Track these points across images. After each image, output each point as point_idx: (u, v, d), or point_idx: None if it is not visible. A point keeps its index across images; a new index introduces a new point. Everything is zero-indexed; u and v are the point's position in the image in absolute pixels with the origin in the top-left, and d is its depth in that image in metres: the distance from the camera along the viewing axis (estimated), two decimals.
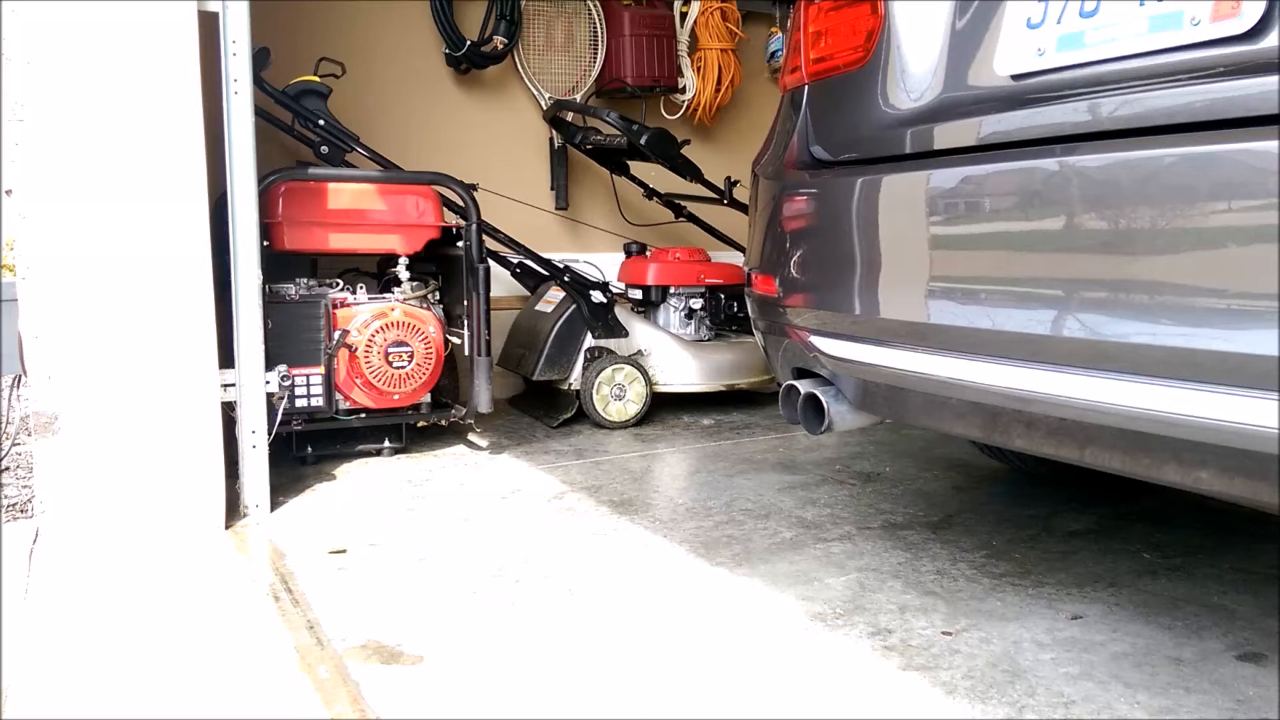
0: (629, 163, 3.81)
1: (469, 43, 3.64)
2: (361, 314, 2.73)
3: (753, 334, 2.12)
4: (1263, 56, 1.10)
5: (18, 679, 1.45)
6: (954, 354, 1.45)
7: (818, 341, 1.76)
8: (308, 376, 2.62)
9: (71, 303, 2.02)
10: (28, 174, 1.97)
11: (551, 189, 4.00)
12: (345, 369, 2.69)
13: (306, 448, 2.75)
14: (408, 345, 2.73)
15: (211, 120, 2.14)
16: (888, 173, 1.61)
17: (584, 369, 3.28)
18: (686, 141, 3.56)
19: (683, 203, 3.88)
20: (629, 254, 3.67)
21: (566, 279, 3.38)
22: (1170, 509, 2.27)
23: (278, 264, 2.68)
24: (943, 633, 1.59)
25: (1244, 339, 1.07)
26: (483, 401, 2.79)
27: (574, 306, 3.31)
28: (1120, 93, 1.27)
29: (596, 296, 3.36)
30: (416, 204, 2.88)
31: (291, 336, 2.61)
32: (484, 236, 2.90)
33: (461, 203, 2.89)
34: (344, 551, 2.01)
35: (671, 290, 3.59)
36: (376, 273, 3.17)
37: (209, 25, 2.16)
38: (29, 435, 2.13)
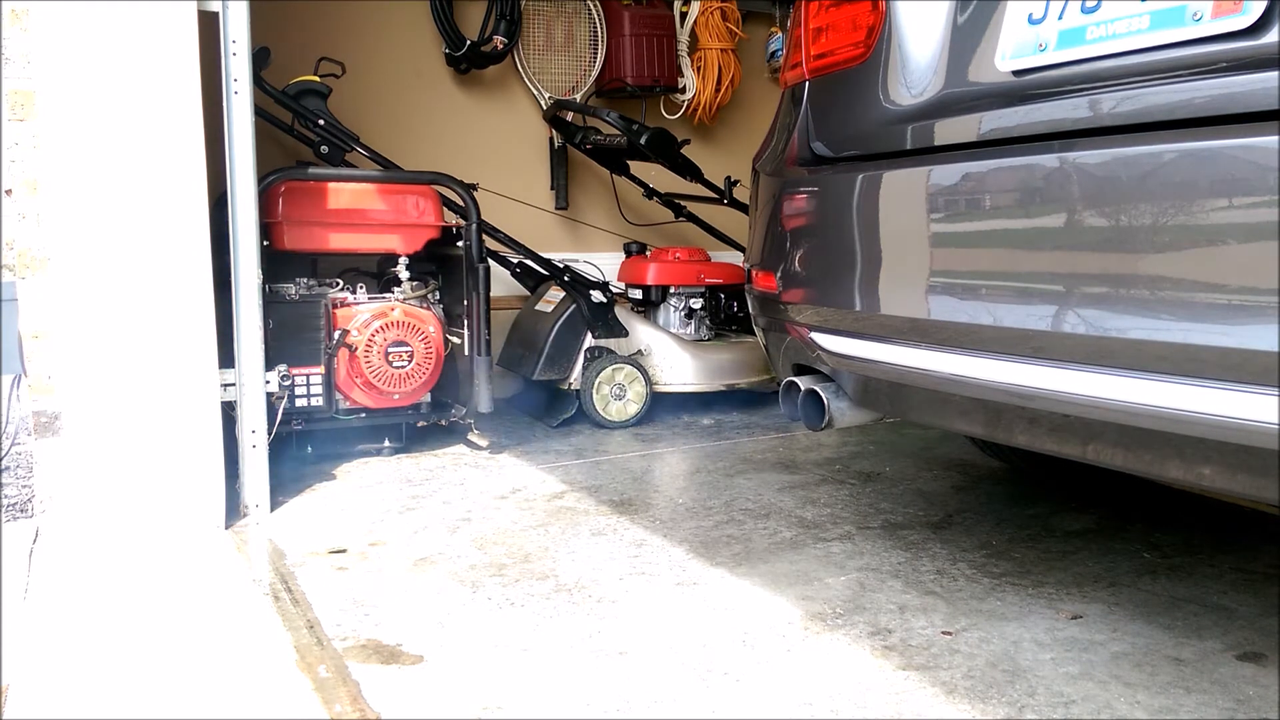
0: (629, 162, 3.81)
1: (469, 42, 3.63)
2: (361, 314, 2.73)
3: (753, 334, 2.12)
4: (1264, 52, 1.10)
5: (18, 679, 1.45)
6: (955, 350, 1.45)
7: (818, 338, 1.76)
8: (308, 376, 2.62)
9: (72, 302, 2.02)
10: (27, 174, 1.97)
11: (551, 189, 4.00)
12: (345, 369, 2.69)
13: (306, 448, 2.75)
14: (408, 345, 2.72)
15: (211, 120, 2.14)
16: (889, 169, 1.61)
17: (584, 369, 3.27)
18: (686, 141, 3.56)
19: (683, 202, 3.88)
20: (629, 254, 3.67)
21: (566, 279, 3.38)
22: (1170, 508, 2.27)
23: (278, 264, 2.68)
24: (942, 632, 1.59)
25: (1245, 334, 1.06)
26: (483, 401, 2.79)
27: (574, 306, 3.30)
28: (1121, 88, 1.27)
29: (596, 296, 3.35)
30: (416, 204, 2.87)
31: (291, 336, 2.61)
32: (484, 236, 2.90)
33: (461, 202, 2.88)
34: (344, 551, 2.01)
35: (671, 290, 3.58)
36: (376, 272, 3.17)
37: (209, 25, 2.16)
38: (29, 435, 2.13)
